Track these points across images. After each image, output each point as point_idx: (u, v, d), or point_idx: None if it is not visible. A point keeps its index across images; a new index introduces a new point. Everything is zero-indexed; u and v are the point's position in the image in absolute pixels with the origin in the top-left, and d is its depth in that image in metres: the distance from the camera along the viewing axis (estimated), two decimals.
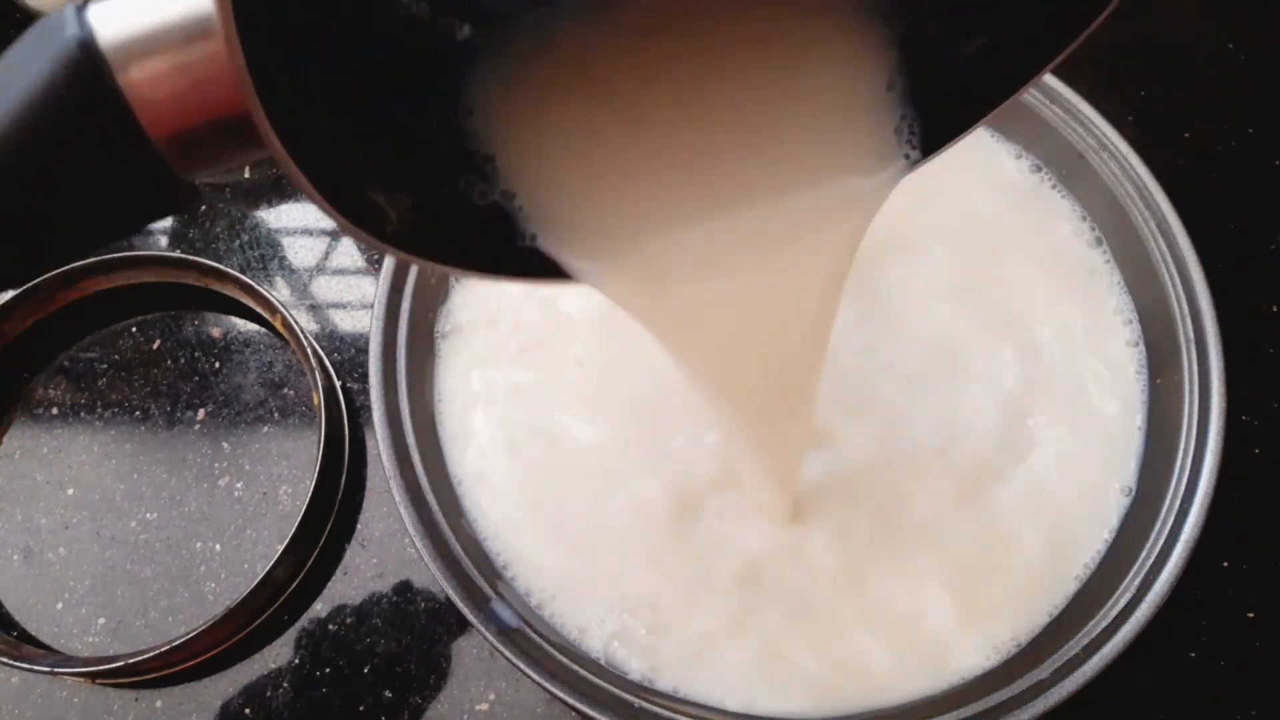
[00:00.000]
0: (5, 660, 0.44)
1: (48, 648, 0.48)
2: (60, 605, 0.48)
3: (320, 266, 0.57)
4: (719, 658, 0.41)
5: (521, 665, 0.38)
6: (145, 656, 0.44)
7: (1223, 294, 0.43)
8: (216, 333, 0.54)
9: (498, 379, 0.47)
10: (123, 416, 0.52)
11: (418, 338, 0.46)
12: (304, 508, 0.46)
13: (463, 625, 0.40)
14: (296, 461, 0.51)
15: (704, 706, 0.41)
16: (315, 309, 0.55)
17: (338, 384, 0.51)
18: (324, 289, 0.56)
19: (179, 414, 0.52)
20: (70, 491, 0.51)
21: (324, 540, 0.49)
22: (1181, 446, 0.42)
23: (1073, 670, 0.38)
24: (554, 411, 0.46)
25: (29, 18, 0.63)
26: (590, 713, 0.37)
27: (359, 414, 0.52)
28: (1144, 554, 0.40)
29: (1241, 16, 0.61)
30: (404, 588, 0.48)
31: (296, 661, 0.47)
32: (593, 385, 0.46)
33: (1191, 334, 0.43)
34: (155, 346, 0.54)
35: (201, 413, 0.52)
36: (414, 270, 0.46)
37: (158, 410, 0.52)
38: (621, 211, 0.30)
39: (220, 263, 0.52)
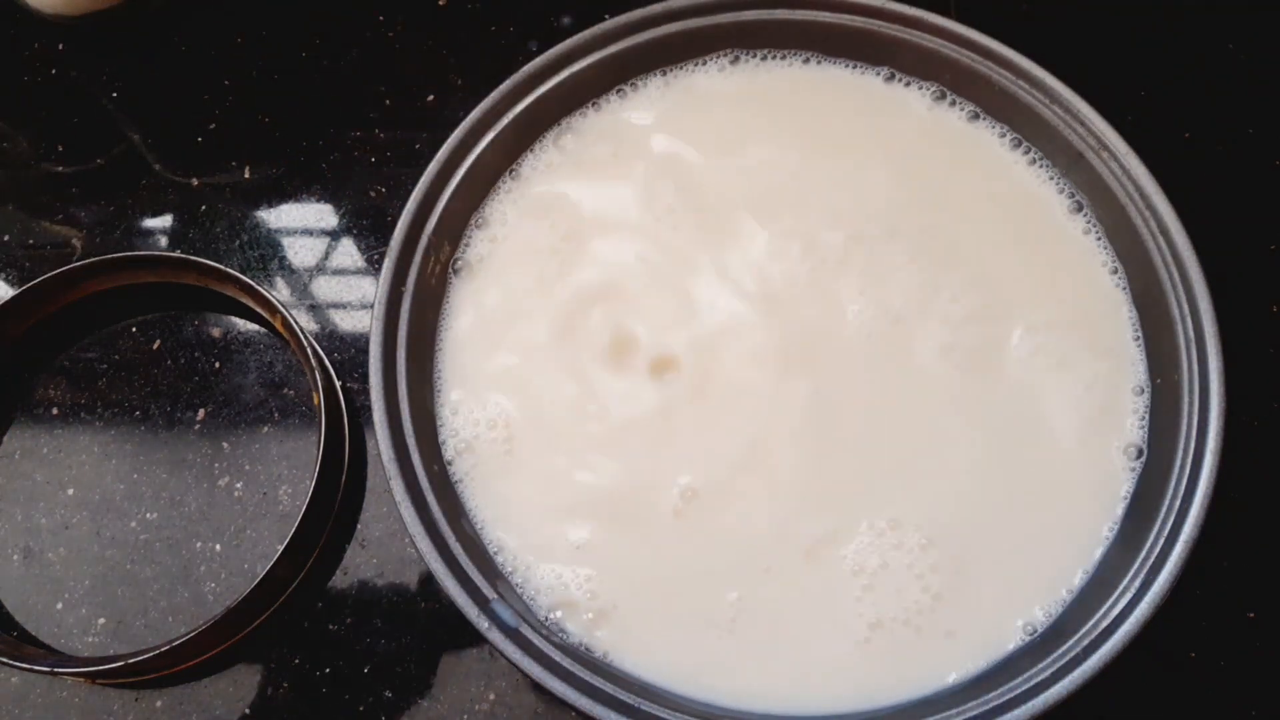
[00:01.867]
0: (5, 660, 0.44)
1: (48, 648, 0.48)
2: (60, 605, 0.48)
3: (320, 266, 0.57)
4: (726, 658, 0.42)
5: (522, 665, 0.38)
6: (145, 656, 0.44)
7: (1222, 294, 0.43)
8: (216, 333, 0.54)
9: (499, 379, 0.47)
10: (123, 417, 0.52)
11: (418, 338, 0.46)
12: (304, 508, 0.46)
13: (463, 625, 0.40)
14: (296, 462, 0.51)
15: (705, 705, 0.41)
16: (315, 309, 0.55)
17: (338, 384, 0.51)
18: (324, 289, 0.56)
19: (179, 414, 0.52)
20: (70, 492, 0.51)
21: (324, 540, 0.49)
22: (1181, 446, 0.42)
23: (1073, 669, 0.38)
24: (556, 413, 0.46)
25: (29, 18, 0.63)
26: (591, 713, 0.37)
27: (359, 414, 0.52)
28: (1144, 554, 0.40)
29: (1241, 16, 0.61)
30: (404, 588, 0.48)
31: (296, 661, 0.47)
32: (608, 389, 0.46)
33: (1191, 334, 0.43)
34: (155, 347, 0.54)
35: (201, 413, 0.52)
36: (414, 270, 0.46)
37: (158, 410, 0.52)
38: None
39: (220, 263, 0.51)
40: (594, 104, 0.52)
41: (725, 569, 0.43)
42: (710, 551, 0.43)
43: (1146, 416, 0.45)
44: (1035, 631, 0.41)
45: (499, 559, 0.43)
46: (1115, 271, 0.48)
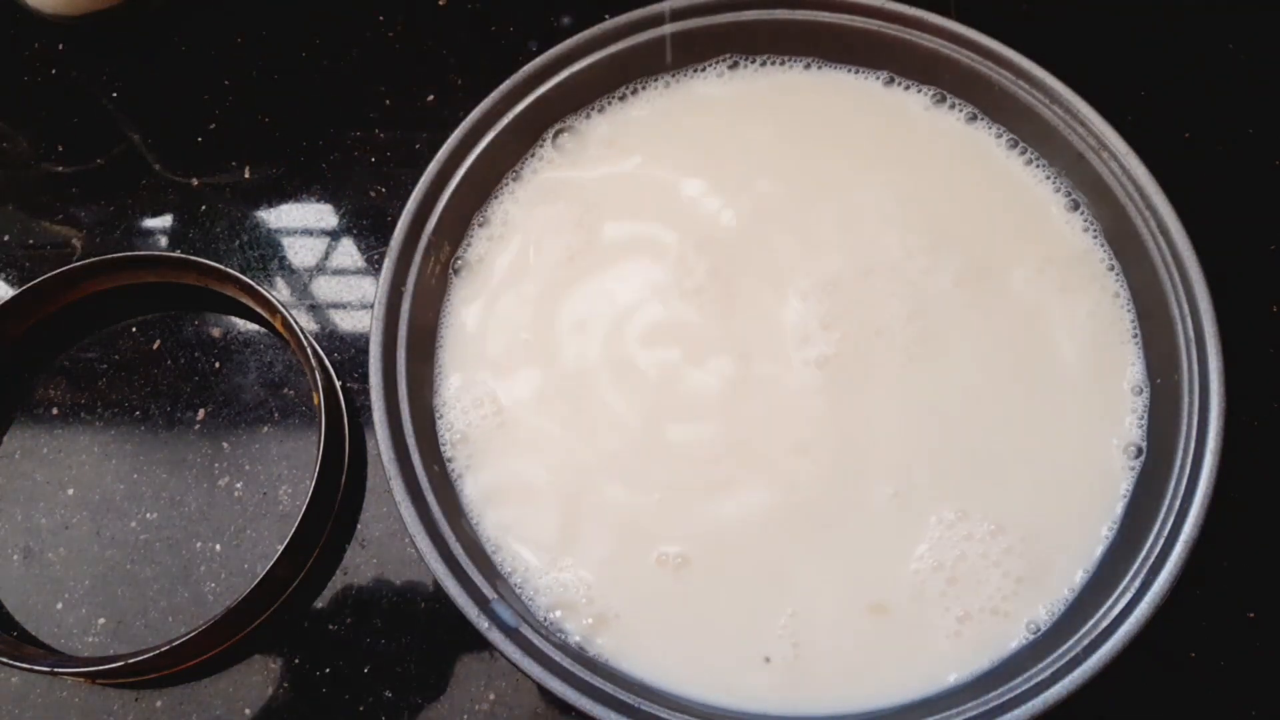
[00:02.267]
0: (5, 660, 0.44)
1: (48, 648, 0.48)
2: (60, 605, 0.48)
3: (320, 266, 0.57)
4: (729, 659, 0.42)
5: (521, 665, 0.38)
6: (145, 656, 0.44)
7: (1222, 294, 0.43)
8: (216, 333, 0.54)
9: (498, 377, 0.47)
10: (123, 417, 0.52)
11: (418, 338, 0.46)
12: (304, 508, 0.46)
13: (463, 625, 0.40)
14: (296, 462, 0.51)
15: (706, 705, 0.41)
16: (315, 309, 0.55)
17: (338, 384, 0.51)
18: (324, 289, 0.56)
19: (179, 414, 0.52)
20: (70, 492, 0.51)
21: (324, 540, 0.49)
22: (1181, 447, 0.42)
23: (1073, 669, 0.38)
24: (557, 412, 0.46)
25: (29, 18, 0.63)
26: (591, 713, 0.37)
27: (359, 414, 0.52)
28: (1144, 553, 0.40)
29: (1241, 16, 0.61)
30: (404, 588, 0.48)
31: (296, 662, 0.47)
32: (608, 386, 0.46)
33: (1191, 334, 0.43)
34: (155, 347, 0.54)
35: (201, 413, 0.52)
36: (414, 270, 0.46)
37: (158, 410, 0.52)
38: None
39: (220, 263, 0.51)
40: (595, 105, 0.52)
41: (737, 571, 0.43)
42: (758, 558, 0.43)
43: (1146, 416, 0.45)
44: (1039, 630, 0.41)
45: (497, 558, 0.43)
46: (1114, 270, 0.48)
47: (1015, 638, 0.42)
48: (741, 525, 0.43)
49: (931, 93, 0.51)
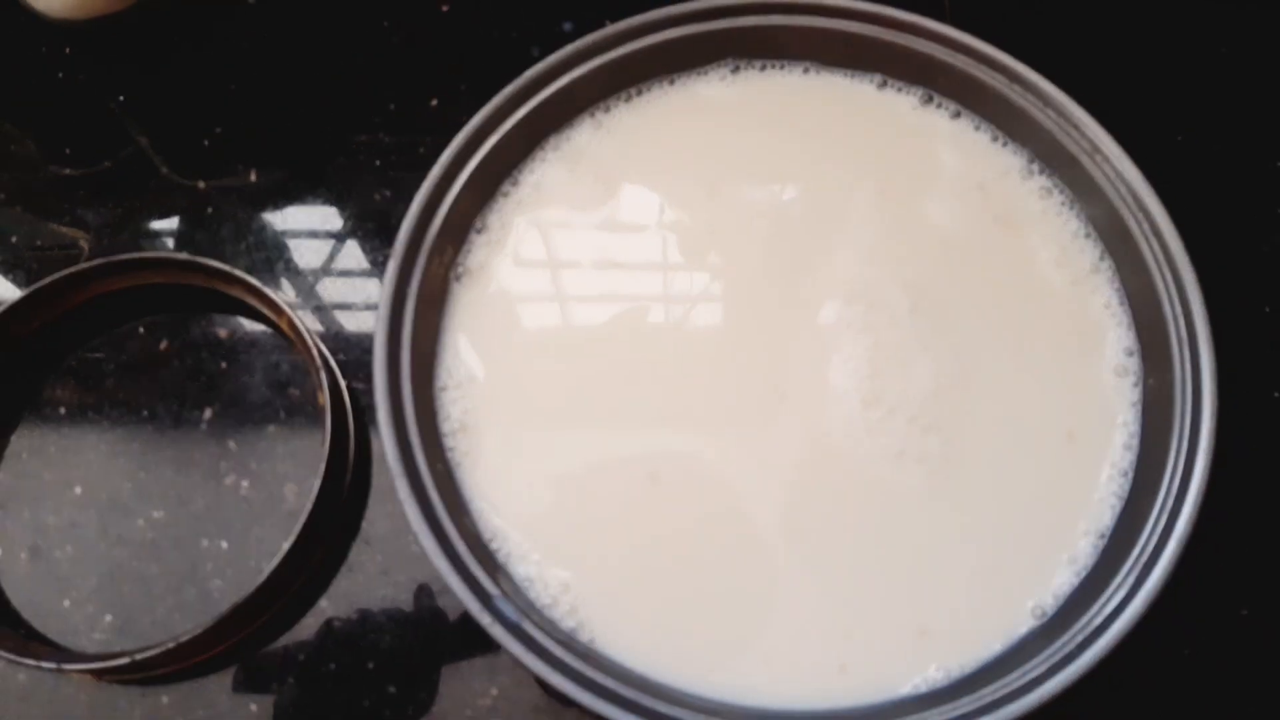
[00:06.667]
0: (12, 657, 0.44)
1: (54, 645, 0.48)
2: (67, 603, 0.49)
3: (326, 268, 0.57)
4: (732, 655, 0.42)
5: (524, 660, 0.38)
6: (151, 653, 0.44)
7: (1216, 295, 0.44)
8: (223, 334, 0.55)
9: (500, 375, 0.47)
10: (130, 416, 0.53)
11: (421, 339, 0.46)
12: (309, 506, 0.46)
13: (466, 621, 0.40)
14: (302, 461, 0.51)
15: (709, 702, 0.41)
16: (321, 310, 0.56)
17: (343, 384, 0.52)
18: (330, 290, 0.57)
19: (186, 414, 0.53)
20: (77, 490, 0.51)
21: (329, 538, 0.49)
22: (1174, 446, 0.42)
23: (1066, 666, 0.38)
24: (560, 409, 0.46)
25: (30, 18, 0.63)
26: (593, 708, 0.38)
27: (364, 413, 0.52)
28: (1137, 551, 0.41)
29: (1238, 17, 0.61)
30: (408, 584, 0.49)
31: (302, 658, 0.48)
32: (604, 386, 0.47)
33: (1184, 335, 0.44)
34: (162, 347, 0.55)
35: (208, 412, 0.53)
36: (418, 272, 0.46)
37: (165, 410, 0.53)
38: None
39: (227, 265, 0.52)
40: (597, 108, 0.52)
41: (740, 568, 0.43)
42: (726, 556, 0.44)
43: (1139, 416, 0.45)
44: (1045, 615, 0.42)
45: (493, 544, 0.43)
46: (1107, 270, 0.48)
47: (1011, 635, 0.42)
48: (747, 525, 0.44)
49: (920, 94, 0.52)
